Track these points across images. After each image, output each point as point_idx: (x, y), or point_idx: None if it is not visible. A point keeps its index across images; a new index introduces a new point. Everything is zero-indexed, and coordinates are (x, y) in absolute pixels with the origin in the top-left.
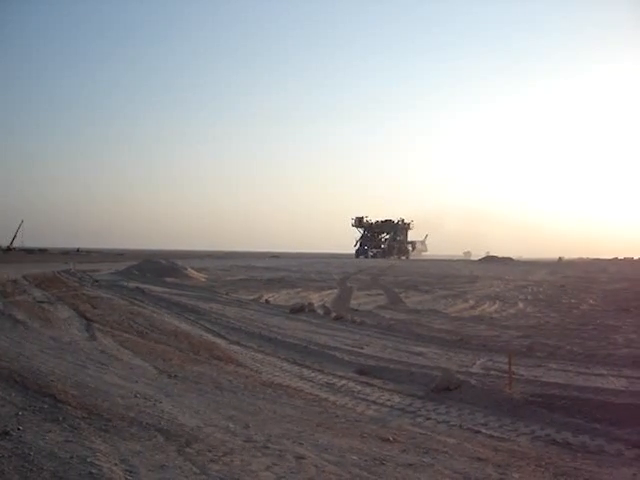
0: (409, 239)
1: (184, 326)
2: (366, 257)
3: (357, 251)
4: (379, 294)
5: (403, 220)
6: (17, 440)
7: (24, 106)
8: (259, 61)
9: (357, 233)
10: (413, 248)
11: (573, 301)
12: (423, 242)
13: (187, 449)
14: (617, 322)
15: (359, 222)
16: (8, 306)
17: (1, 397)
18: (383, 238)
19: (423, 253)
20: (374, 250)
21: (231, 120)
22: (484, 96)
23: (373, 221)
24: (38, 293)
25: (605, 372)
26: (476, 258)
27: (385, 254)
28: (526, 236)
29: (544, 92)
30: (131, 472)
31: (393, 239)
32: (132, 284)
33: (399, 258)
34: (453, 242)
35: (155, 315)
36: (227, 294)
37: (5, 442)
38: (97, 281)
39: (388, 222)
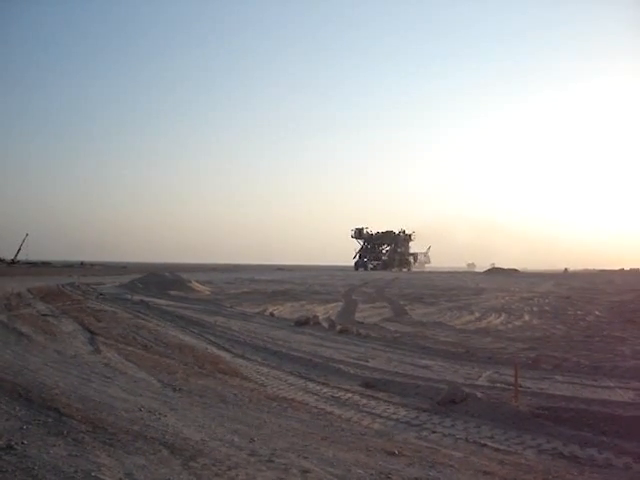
0: (411, 251)
1: (188, 339)
2: (365, 269)
3: (356, 263)
4: (384, 307)
5: (404, 231)
6: (21, 454)
7: (27, 119)
8: (261, 74)
9: (357, 245)
10: (415, 260)
11: (579, 313)
12: (426, 254)
13: (192, 463)
14: (624, 334)
15: (359, 233)
16: (12, 319)
17: (5, 411)
18: (384, 250)
19: (426, 265)
20: (374, 262)
21: (234, 133)
22: (486, 108)
23: (373, 232)
24: (42, 306)
25: (612, 384)
26: (480, 270)
27: (385, 266)
28: (531, 247)
29: (550, 103)
30: None
31: (394, 251)
32: (136, 297)
33: (400, 270)
34: (456, 254)
35: (159, 328)
36: (231, 307)
37: (9, 456)
38: (101, 294)
39: (389, 233)
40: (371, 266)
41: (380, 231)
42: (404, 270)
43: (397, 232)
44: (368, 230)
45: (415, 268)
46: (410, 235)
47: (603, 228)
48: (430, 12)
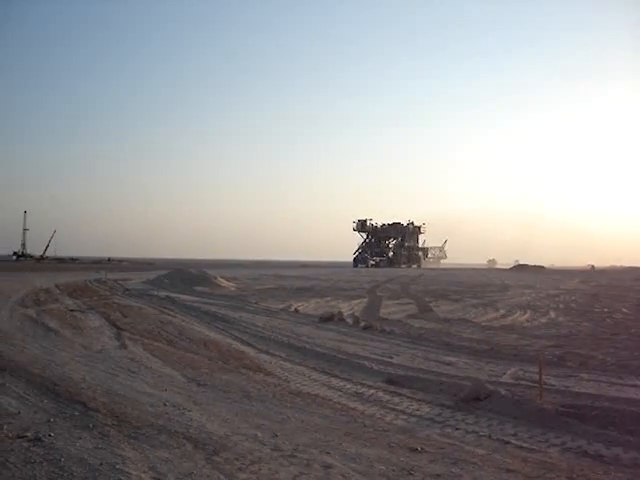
0: (422, 245)
1: (213, 335)
2: (366, 266)
3: (355, 259)
4: (409, 303)
5: (413, 223)
6: (49, 446)
7: (54, 120)
8: (270, 73)
9: (360, 238)
10: (425, 255)
11: (606, 310)
12: (442, 248)
13: (215, 457)
14: None
15: (362, 226)
16: (41, 314)
17: (33, 404)
18: (390, 244)
19: (441, 261)
20: (377, 258)
21: (252, 132)
22: (518, 109)
23: (379, 225)
24: (70, 302)
25: (639, 383)
26: (502, 266)
27: (391, 262)
28: (562, 244)
29: (584, 102)
30: None
31: (400, 245)
32: (162, 293)
33: (409, 267)
34: (476, 249)
35: (185, 324)
36: (256, 303)
37: (37, 448)
38: (128, 290)
39: (395, 225)
40: (373, 262)
41: (386, 223)
42: (413, 267)
43: (405, 224)
44: (372, 222)
45: (429, 264)
46: (420, 227)
47: (632, 225)
48: (462, 12)
